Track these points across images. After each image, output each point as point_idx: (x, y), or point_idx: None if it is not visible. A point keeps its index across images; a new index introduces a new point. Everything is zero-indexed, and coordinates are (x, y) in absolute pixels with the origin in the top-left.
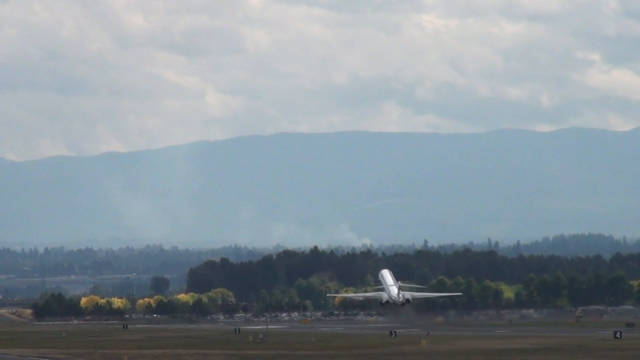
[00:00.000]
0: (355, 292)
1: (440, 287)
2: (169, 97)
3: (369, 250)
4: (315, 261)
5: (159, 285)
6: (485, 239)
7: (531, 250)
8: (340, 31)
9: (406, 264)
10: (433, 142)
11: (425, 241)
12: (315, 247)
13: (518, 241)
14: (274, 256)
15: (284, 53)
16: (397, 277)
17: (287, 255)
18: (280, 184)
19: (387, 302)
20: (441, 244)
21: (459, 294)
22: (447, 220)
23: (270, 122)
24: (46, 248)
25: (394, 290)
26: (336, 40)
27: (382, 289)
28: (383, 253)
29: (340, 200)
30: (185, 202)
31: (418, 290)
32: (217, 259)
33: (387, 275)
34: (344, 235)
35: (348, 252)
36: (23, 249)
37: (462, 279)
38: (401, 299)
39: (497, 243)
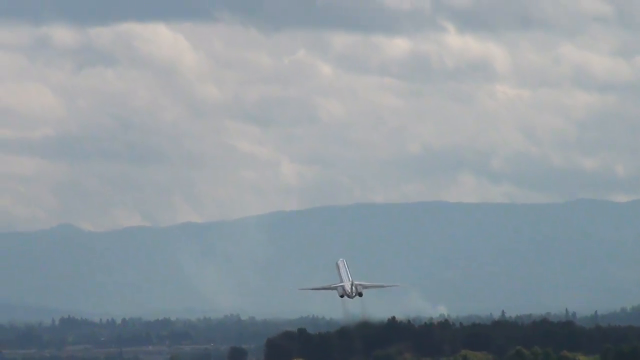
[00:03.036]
0: None
1: (518, 357)
2: (243, 167)
3: (446, 321)
4: (392, 332)
5: (236, 355)
6: (562, 309)
7: (609, 320)
8: (413, 101)
9: (484, 334)
10: (510, 212)
11: (503, 311)
12: (393, 318)
13: (596, 311)
14: (352, 326)
15: (357, 122)
16: (474, 346)
17: (364, 326)
18: (354, 254)
19: (342, 295)
20: (518, 314)
21: (397, 285)
22: (525, 290)
23: (344, 191)
24: (124, 318)
25: (347, 285)
26: (409, 109)
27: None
28: (460, 323)
29: (416, 270)
30: (261, 272)
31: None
32: (295, 329)
33: (342, 267)
34: (416, 303)
35: (425, 323)
36: (101, 319)
37: (540, 349)
38: (354, 293)
39: (574, 313)
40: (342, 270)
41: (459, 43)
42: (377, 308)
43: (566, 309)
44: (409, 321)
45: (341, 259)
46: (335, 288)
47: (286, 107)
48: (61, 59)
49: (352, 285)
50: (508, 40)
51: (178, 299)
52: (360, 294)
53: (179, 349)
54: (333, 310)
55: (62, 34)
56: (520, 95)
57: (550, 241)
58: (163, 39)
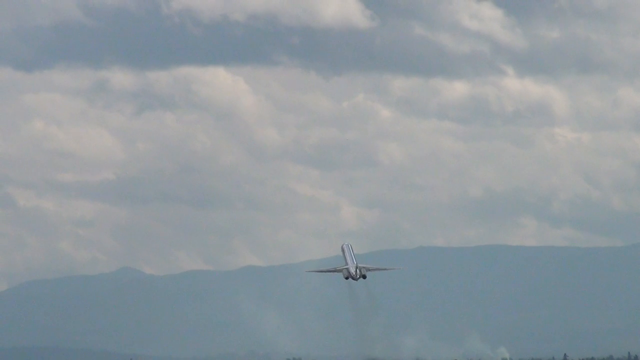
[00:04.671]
0: None
1: None
2: (304, 210)
3: None
4: None
5: None
6: (625, 353)
7: None
8: (472, 144)
9: None
10: (571, 255)
11: (565, 355)
12: None
13: None
14: None
15: (417, 166)
16: None
17: None
18: (414, 296)
19: (347, 277)
20: (581, 357)
21: (398, 268)
22: (586, 333)
23: (405, 235)
24: None
25: (352, 268)
26: (468, 153)
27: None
28: None
29: (477, 312)
30: (322, 316)
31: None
32: None
33: (347, 251)
34: (477, 345)
35: None
36: None
37: None
38: (358, 276)
39: (636, 356)
40: (347, 254)
41: (518, 86)
42: (439, 350)
43: (628, 352)
44: None
45: (346, 244)
46: (340, 270)
47: (346, 150)
48: (120, 103)
49: (356, 268)
50: (567, 83)
51: (239, 343)
52: (364, 276)
53: None
54: (395, 352)
55: (122, 78)
56: (579, 138)
57: (611, 284)
58: (222, 82)
